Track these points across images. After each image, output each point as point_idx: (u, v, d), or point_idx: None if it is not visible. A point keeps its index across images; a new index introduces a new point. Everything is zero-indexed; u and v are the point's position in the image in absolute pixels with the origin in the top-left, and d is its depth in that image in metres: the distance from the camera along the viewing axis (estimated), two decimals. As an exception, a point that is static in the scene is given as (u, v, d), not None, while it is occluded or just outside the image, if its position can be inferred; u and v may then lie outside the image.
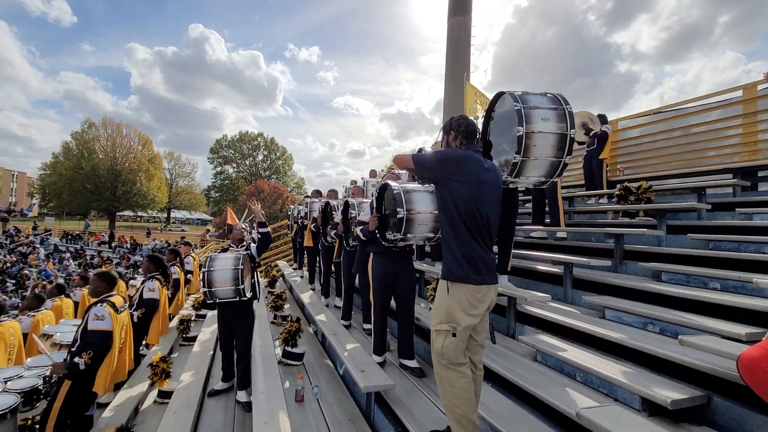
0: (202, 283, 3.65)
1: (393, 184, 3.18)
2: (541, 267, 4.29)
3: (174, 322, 5.96)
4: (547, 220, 5.49)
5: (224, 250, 3.86)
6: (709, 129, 6.58)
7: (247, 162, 49.08)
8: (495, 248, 3.13)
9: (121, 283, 7.49)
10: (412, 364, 3.27)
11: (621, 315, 3.00)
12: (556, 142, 2.95)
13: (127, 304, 3.83)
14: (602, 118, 6.90)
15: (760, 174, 5.19)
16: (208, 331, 5.37)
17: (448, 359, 2.08)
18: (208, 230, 18.15)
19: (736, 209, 4.07)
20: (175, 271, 5.82)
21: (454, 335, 2.07)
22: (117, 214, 40.76)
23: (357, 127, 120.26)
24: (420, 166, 2.19)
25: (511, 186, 3.21)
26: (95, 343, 3.22)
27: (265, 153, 49.56)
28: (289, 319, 4.30)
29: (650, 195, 4.58)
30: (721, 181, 4.87)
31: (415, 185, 3.24)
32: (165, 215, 51.72)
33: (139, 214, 44.71)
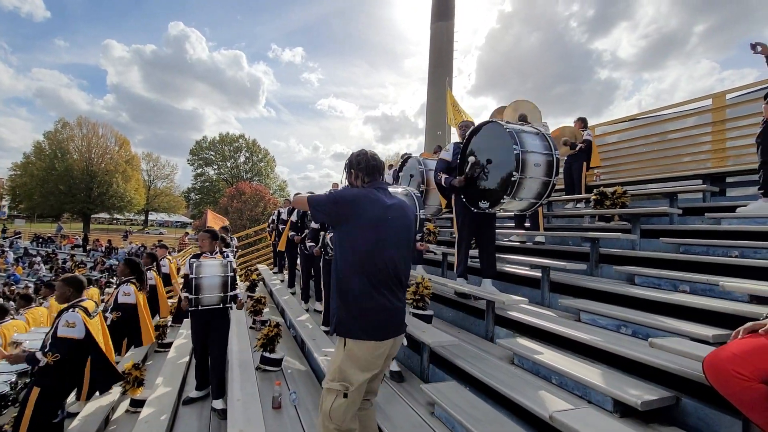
0: (187, 288, 3.59)
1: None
2: (520, 270, 4.35)
3: (149, 328, 5.79)
4: (527, 224, 5.58)
5: (197, 257, 3.78)
6: (684, 135, 6.82)
7: (229, 164, 48.35)
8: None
9: (93, 289, 7.27)
10: (393, 367, 3.25)
11: (596, 318, 3.06)
12: (540, 186, 3.09)
13: (100, 309, 3.70)
14: (583, 122, 7.04)
15: (728, 180, 5.39)
16: (184, 337, 5.24)
17: (336, 424, 1.86)
18: (187, 233, 17.64)
19: (706, 214, 4.21)
20: (152, 276, 5.66)
21: (345, 395, 1.86)
22: (92, 216, 39.55)
23: (341, 130, 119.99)
24: (314, 208, 1.98)
25: (488, 212, 3.43)
26: (63, 350, 3.10)
27: (247, 155, 48.94)
28: (267, 324, 4.23)
29: (625, 200, 4.70)
30: (691, 187, 5.04)
31: (390, 189, 3.24)
32: (142, 218, 50.46)
33: (116, 216, 43.52)
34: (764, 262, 2.94)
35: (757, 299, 2.57)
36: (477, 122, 3.94)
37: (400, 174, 6.14)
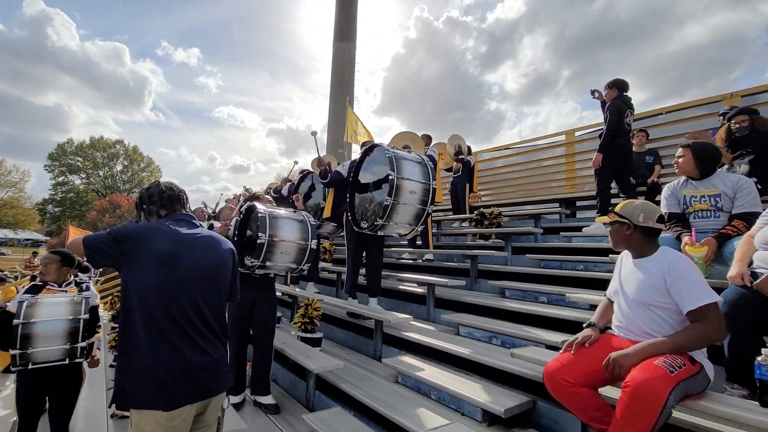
0: (12, 340, 2.49)
1: (260, 206, 2.99)
2: (408, 287, 4.50)
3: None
4: (419, 242, 5.85)
5: (36, 289, 2.76)
6: (550, 164, 7.95)
7: (101, 172, 42.08)
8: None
9: None
10: (267, 400, 3.01)
11: (472, 331, 3.28)
12: (416, 212, 3.25)
13: None
14: (468, 148, 7.75)
15: (578, 204, 6.40)
16: (12, 388, 4.23)
17: None
18: (36, 253, 14.43)
19: (560, 233, 4.89)
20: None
21: None
22: None
23: (241, 141, 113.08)
24: (91, 249, 1.59)
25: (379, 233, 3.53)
26: None
27: (126, 163, 43.26)
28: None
29: (500, 220, 5.24)
30: (551, 209, 5.84)
31: (284, 211, 3.10)
32: (-24, 234, 40.75)
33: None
34: (601, 275, 3.48)
35: (595, 308, 3.02)
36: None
37: (299, 189, 6.00)
